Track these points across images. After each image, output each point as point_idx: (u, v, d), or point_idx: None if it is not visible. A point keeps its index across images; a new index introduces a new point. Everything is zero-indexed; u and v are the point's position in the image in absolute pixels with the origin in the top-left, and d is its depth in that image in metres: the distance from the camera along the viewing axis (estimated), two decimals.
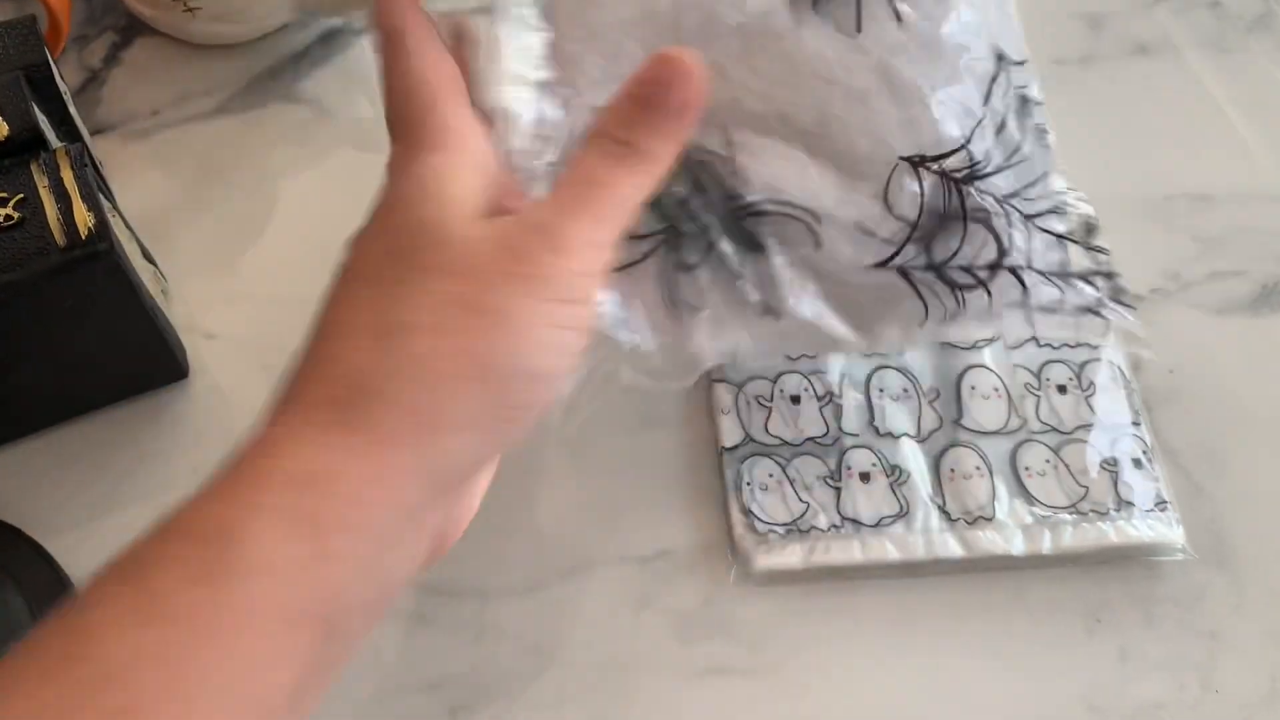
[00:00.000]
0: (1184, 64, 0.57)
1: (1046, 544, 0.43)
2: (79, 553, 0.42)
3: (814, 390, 0.46)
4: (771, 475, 0.44)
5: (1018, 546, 0.43)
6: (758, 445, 0.45)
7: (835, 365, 0.46)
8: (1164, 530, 0.43)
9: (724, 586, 0.43)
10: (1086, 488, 0.44)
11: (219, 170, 0.51)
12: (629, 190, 0.29)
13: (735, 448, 0.44)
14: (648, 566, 0.43)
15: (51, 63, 0.41)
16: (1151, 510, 0.43)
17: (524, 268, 0.27)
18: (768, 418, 0.45)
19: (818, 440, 0.45)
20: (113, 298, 0.40)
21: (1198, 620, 0.43)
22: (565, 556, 0.43)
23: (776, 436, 0.45)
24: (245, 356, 0.46)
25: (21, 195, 0.38)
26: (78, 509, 0.43)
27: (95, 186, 0.38)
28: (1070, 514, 0.43)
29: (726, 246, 0.35)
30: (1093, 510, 0.43)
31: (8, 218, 0.37)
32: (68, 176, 0.38)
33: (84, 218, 0.37)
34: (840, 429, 0.45)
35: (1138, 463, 0.44)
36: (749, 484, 0.44)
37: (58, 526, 0.42)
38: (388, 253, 0.29)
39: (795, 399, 0.45)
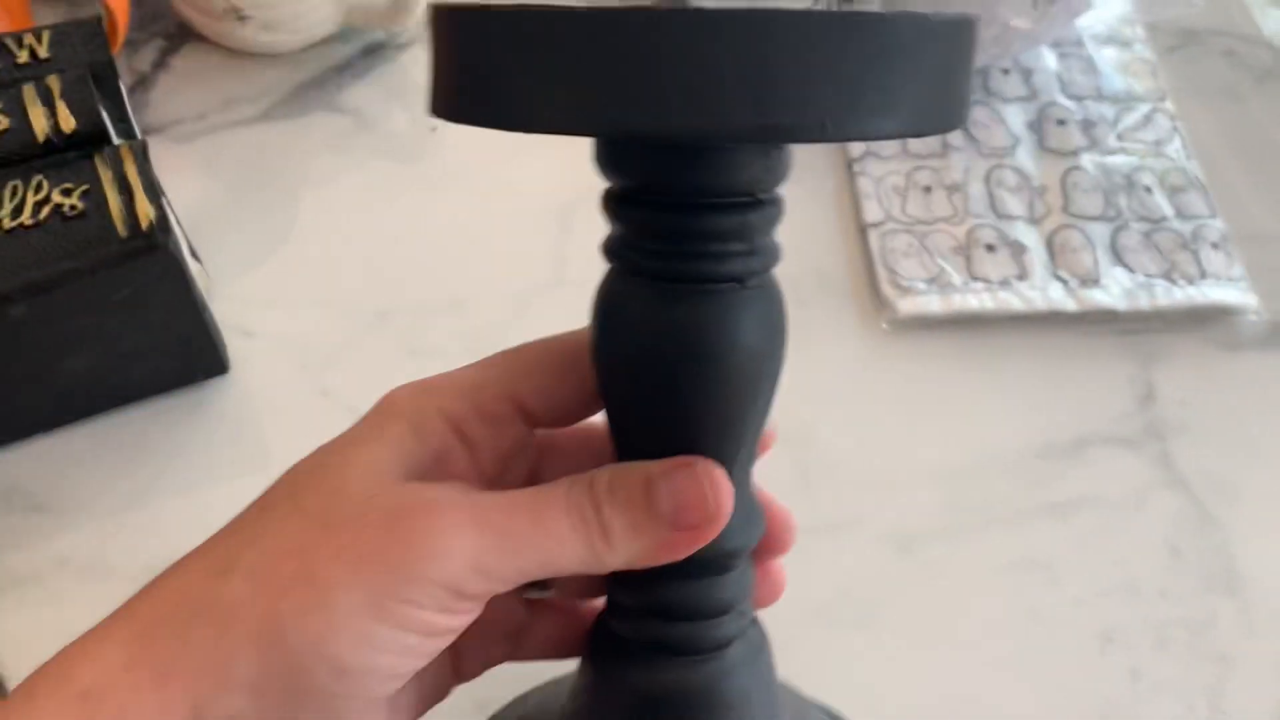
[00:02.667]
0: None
1: (1144, 302, 0.51)
2: (116, 540, 0.43)
3: (942, 181, 0.54)
4: (910, 245, 0.52)
5: (1120, 303, 0.50)
6: (896, 223, 0.52)
7: (959, 162, 0.55)
8: (1239, 295, 0.51)
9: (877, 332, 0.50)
10: (1174, 262, 0.52)
11: (261, 175, 0.53)
12: (565, 549, 0.25)
13: (878, 223, 0.52)
14: None
15: (114, 61, 0.43)
16: (1229, 280, 0.52)
17: (387, 545, 0.25)
18: (904, 202, 0.53)
19: (947, 220, 0.53)
20: (166, 290, 0.41)
21: (1207, 644, 0.44)
22: None
23: (911, 216, 0.53)
24: (283, 355, 0.48)
25: (86, 187, 0.39)
26: (115, 497, 0.44)
27: (156, 182, 0.40)
28: (1162, 280, 0.51)
29: None
30: (1181, 278, 0.51)
31: (72, 208, 0.38)
32: (131, 171, 0.40)
33: (145, 210, 0.39)
34: (967, 211, 0.53)
35: (1215, 245, 0.53)
36: (891, 251, 0.51)
37: (95, 513, 0.43)
38: (288, 485, 0.27)
39: (927, 189, 0.54)
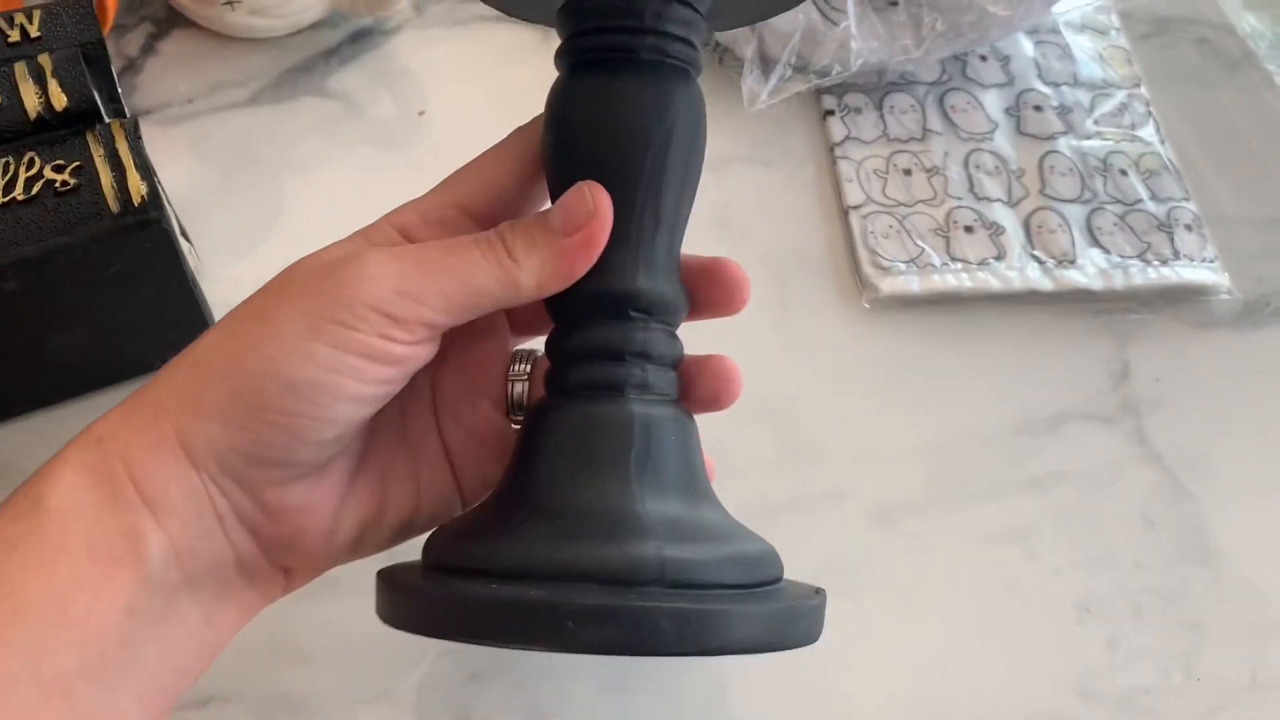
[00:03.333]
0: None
1: (1119, 281, 0.52)
2: None
3: (922, 164, 0.55)
4: (891, 227, 0.53)
5: (1096, 282, 0.52)
6: (877, 205, 0.53)
7: (939, 146, 0.56)
8: (1212, 276, 0.53)
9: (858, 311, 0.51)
10: (1149, 243, 0.53)
11: (249, 159, 0.53)
12: (479, 271, 0.30)
13: (859, 206, 0.53)
14: None
15: (104, 41, 0.43)
16: (1201, 261, 0.53)
17: (319, 283, 0.29)
18: (885, 185, 0.54)
19: (927, 202, 0.54)
20: (158, 265, 0.41)
21: (1181, 613, 0.45)
22: None
23: (892, 199, 0.54)
24: None
25: (78, 163, 0.39)
26: None
27: (147, 159, 0.40)
28: (1137, 260, 0.52)
29: None
30: (1155, 258, 0.53)
31: (64, 184, 0.39)
32: (123, 147, 0.40)
33: (137, 186, 0.39)
34: (946, 193, 0.54)
35: (1189, 227, 0.54)
36: (872, 233, 0.52)
37: None
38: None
39: (907, 171, 0.55)
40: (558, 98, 0.32)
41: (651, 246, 0.31)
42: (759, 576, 0.30)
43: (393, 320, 0.29)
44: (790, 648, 0.30)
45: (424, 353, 0.31)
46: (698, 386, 0.34)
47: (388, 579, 0.31)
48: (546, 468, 0.30)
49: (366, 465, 0.34)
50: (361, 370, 0.29)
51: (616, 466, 0.29)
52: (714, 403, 0.35)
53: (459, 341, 0.35)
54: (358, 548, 0.34)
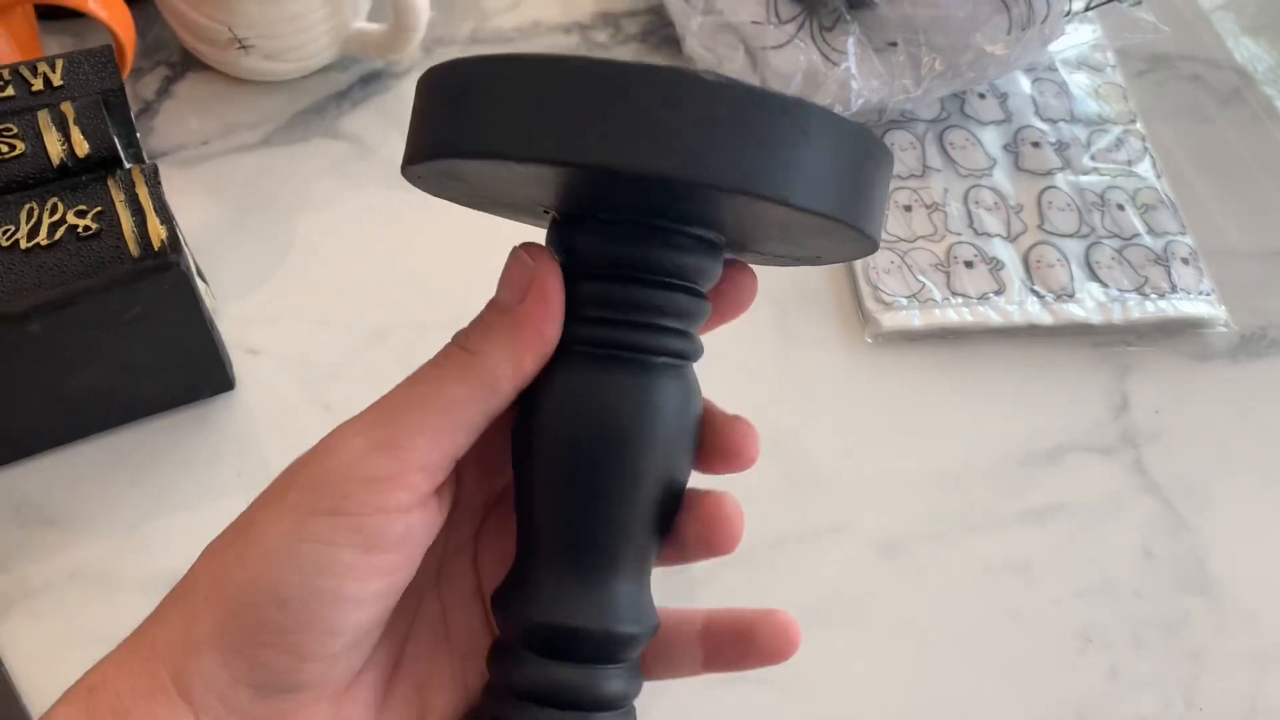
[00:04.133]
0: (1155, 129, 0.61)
1: (1117, 315, 0.53)
2: (126, 553, 0.44)
3: (922, 201, 0.56)
4: (892, 262, 0.54)
5: (1094, 316, 0.53)
6: None
7: (938, 182, 0.57)
8: (1209, 308, 0.54)
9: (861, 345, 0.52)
10: (1146, 277, 0.54)
11: (263, 199, 0.54)
12: (444, 384, 0.26)
13: None
14: None
15: (124, 88, 0.44)
16: (1199, 294, 0.54)
17: (293, 476, 0.26)
18: (886, 221, 0.52)
19: (928, 238, 0.54)
20: (177, 308, 0.42)
21: (1182, 642, 0.46)
22: None
23: (893, 235, 0.54)
24: (286, 371, 0.49)
25: (99, 208, 0.40)
26: (125, 511, 0.45)
27: (167, 203, 0.41)
28: (1135, 294, 0.53)
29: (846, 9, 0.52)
30: (1153, 291, 0.54)
31: (86, 228, 0.40)
32: (143, 192, 0.41)
33: (158, 231, 0.40)
34: (946, 229, 0.55)
35: (1186, 260, 0.55)
36: (874, 269, 0.53)
37: (105, 527, 0.44)
38: None
39: (907, 208, 0.56)
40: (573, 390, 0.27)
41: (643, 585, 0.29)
42: None
43: (378, 484, 0.25)
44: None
45: (428, 519, 0.26)
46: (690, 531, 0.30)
47: None
48: None
49: (401, 674, 0.30)
50: (356, 566, 0.25)
51: None
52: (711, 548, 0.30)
53: (497, 512, 0.32)
54: None
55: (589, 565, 0.27)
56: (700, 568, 0.45)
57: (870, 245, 0.26)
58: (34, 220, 0.40)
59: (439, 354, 0.27)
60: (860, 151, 0.24)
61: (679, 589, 0.45)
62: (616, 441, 0.27)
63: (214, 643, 0.26)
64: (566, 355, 0.27)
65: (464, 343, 0.27)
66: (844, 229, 0.25)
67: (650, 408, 0.27)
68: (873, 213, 0.26)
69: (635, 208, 0.26)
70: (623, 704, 0.29)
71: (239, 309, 0.51)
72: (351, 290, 0.52)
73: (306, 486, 0.26)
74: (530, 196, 0.27)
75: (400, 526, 0.26)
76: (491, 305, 0.27)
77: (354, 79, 0.59)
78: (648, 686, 0.43)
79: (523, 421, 0.28)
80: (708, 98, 0.22)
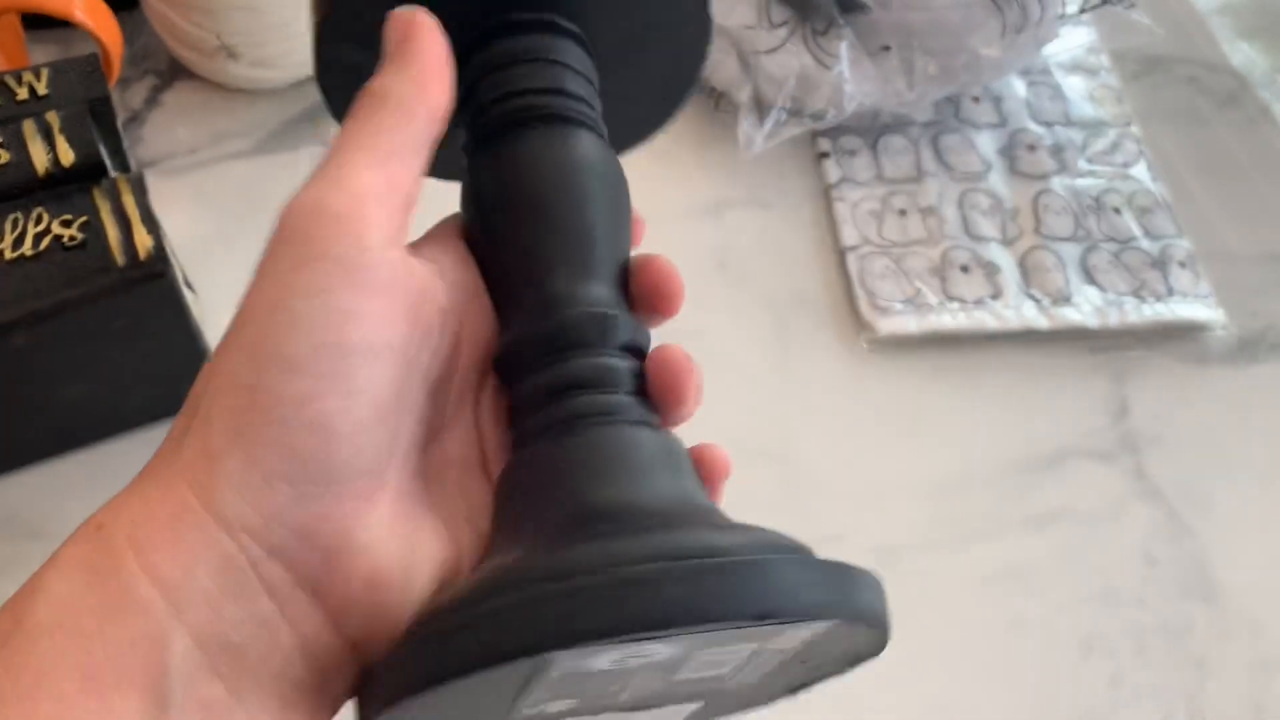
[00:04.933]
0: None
1: (1114, 319, 0.52)
2: None
3: (917, 205, 0.55)
4: (887, 267, 0.53)
5: (1091, 320, 0.52)
6: (873, 246, 0.54)
7: (933, 187, 0.56)
8: (1207, 311, 0.53)
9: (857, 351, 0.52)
10: (1143, 280, 0.54)
11: (253, 208, 0.54)
12: (361, 119, 0.26)
13: (855, 247, 0.54)
14: None
15: (110, 97, 0.44)
16: (1196, 297, 0.53)
17: (262, 255, 0.25)
18: (880, 226, 0.54)
19: (923, 242, 0.54)
20: (164, 318, 0.42)
21: (1185, 650, 0.45)
22: None
23: (888, 240, 0.54)
24: None
25: (85, 218, 0.40)
26: None
27: (153, 213, 0.41)
28: (1132, 297, 0.53)
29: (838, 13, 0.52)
30: (1150, 295, 0.53)
31: (71, 239, 0.39)
32: (129, 202, 0.40)
33: (144, 241, 0.40)
34: (942, 233, 0.55)
35: (1183, 264, 0.54)
36: (869, 274, 0.53)
37: None
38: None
39: (902, 212, 0.55)
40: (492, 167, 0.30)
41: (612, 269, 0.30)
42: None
43: (344, 221, 0.24)
44: (860, 618, 0.24)
45: (415, 268, 0.26)
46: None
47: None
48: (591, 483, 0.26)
49: (435, 487, 0.27)
50: (354, 310, 0.24)
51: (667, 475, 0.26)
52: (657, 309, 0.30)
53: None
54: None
55: (566, 275, 0.28)
56: None
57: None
58: (19, 230, 0.39)
59: (358, 108, 0.26)
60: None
61: None
62: (561, 172, 0.29)
63: (234, 439, 0.23)
64: (490, 138, 0.29)
65: (367, 90, 0.26)
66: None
67: (577, 147, 0.29)
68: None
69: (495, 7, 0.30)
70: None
71: (227, 319, 0.50)
72: None
73: (276, 248, 0.24)
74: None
75: (385, 269, 0.24)
76: (382, 61, 0.27)
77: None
78: None
79: (470, 197, 0.30)
80: None
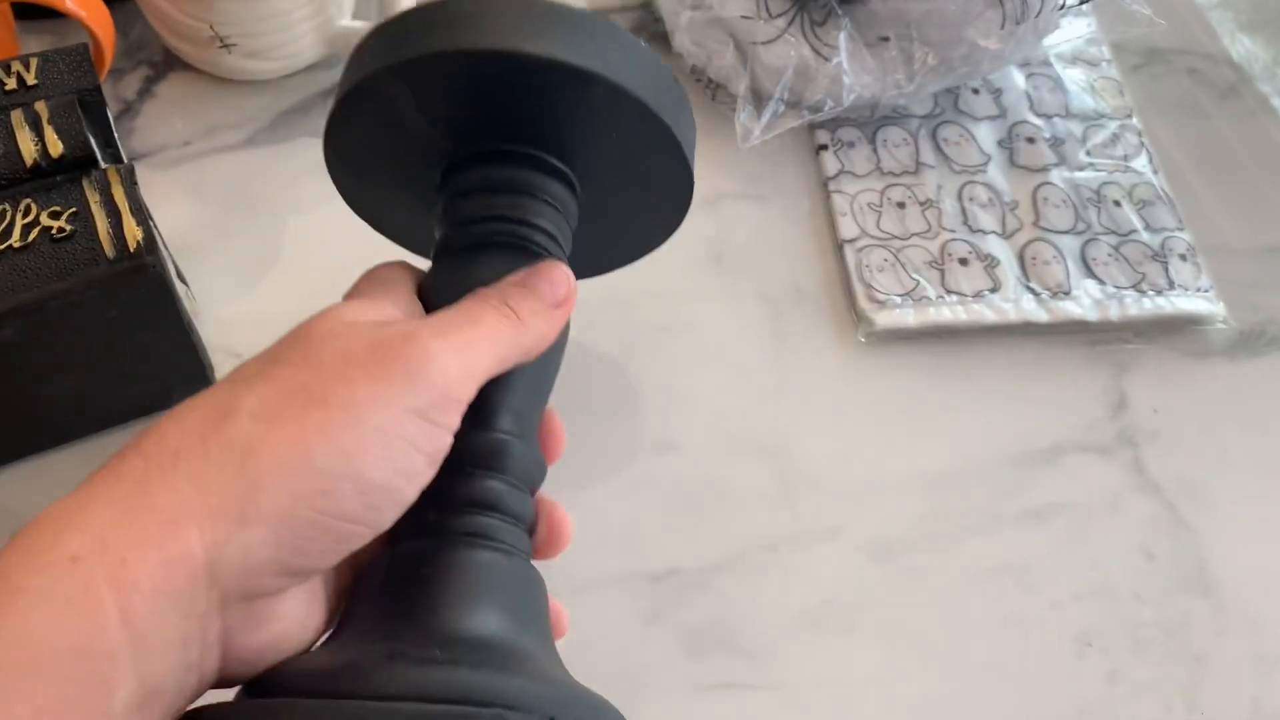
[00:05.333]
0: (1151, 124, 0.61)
1: (1114, 312, 0.52)
2: None
3: (916, 198, 0.55)
4: (886, 260, 0.53)
5: (1091, 313, 0.52)
6: (871, 239, 0.53)
7: (932, 179, 0.56)
8: (1207, 305, 0.53)
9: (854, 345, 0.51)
10: (1143, 273, 0.53)
11: (246, 200, 0.53)
12: (502, 334, 0.30)
13: (854, 240, 0.53)
14: None
15: (101, 88, 0.43)
16: (1197, 291, 0.53)
17: (389, 365, 0.26)
18: (879, 219, 0.54)
19: (921, 235, 0.54)
20: (154, 311, 0.41)
21: (1183, 645, 0.45)
22: None
23: (887, 232, 0.53)
24: None
25: (74, 209, 0.40)
26: None
27: (143, 204, 0.40)
28: (1132, 291, 0.52)
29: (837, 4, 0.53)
30: (1150, 288, 0.52)
31: (60, 230, 0.39)
32: (118, 193, 0.40)
33: (133, 232, 0.39)
34: (941, 226, 0.54)
35: (1183, 257, 0.54)
36: (867, 266, 0.52)
37: None
38: (262, 357, 0.28)
39: (901, 205, 0.55)
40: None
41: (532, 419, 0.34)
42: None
43: (459, 407, 0.28)
44: None
45: None
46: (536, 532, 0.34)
47: None
48: (438, 602, 0.29)
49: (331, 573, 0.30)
50: (421, 474, 0.27)
51: (503, 609, 0.29)
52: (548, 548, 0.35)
53: None
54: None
55: (482, 395, 0.31)
56: (692, 572, 0.44)
57: (686, 174, 0.37)
58: (6, 222, 0.39)
59: (495, 306, 0.31)
60: (659, 66, 0.34)
61: (670, 593, 0.44)
62: None
63: (280, 517, 0.24)
64: (454, 249, 0.35)
65: (517, 309, 0.31)
66: (660, 133, 0.34)
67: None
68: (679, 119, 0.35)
69: (492, 135, 0.35)
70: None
71: (222, 312, 0.50)
72: (337, 293, 0.51)
73: (402, 382, 0.26)
74: (423, 147, 0.36)
75: (445, 444, 0.28)
76: (536, 292, 0.32)
77: (338, 77, 0.58)
78: (635, 691, 0.42)
79: (429, 289, 0.34)
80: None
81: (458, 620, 0.28)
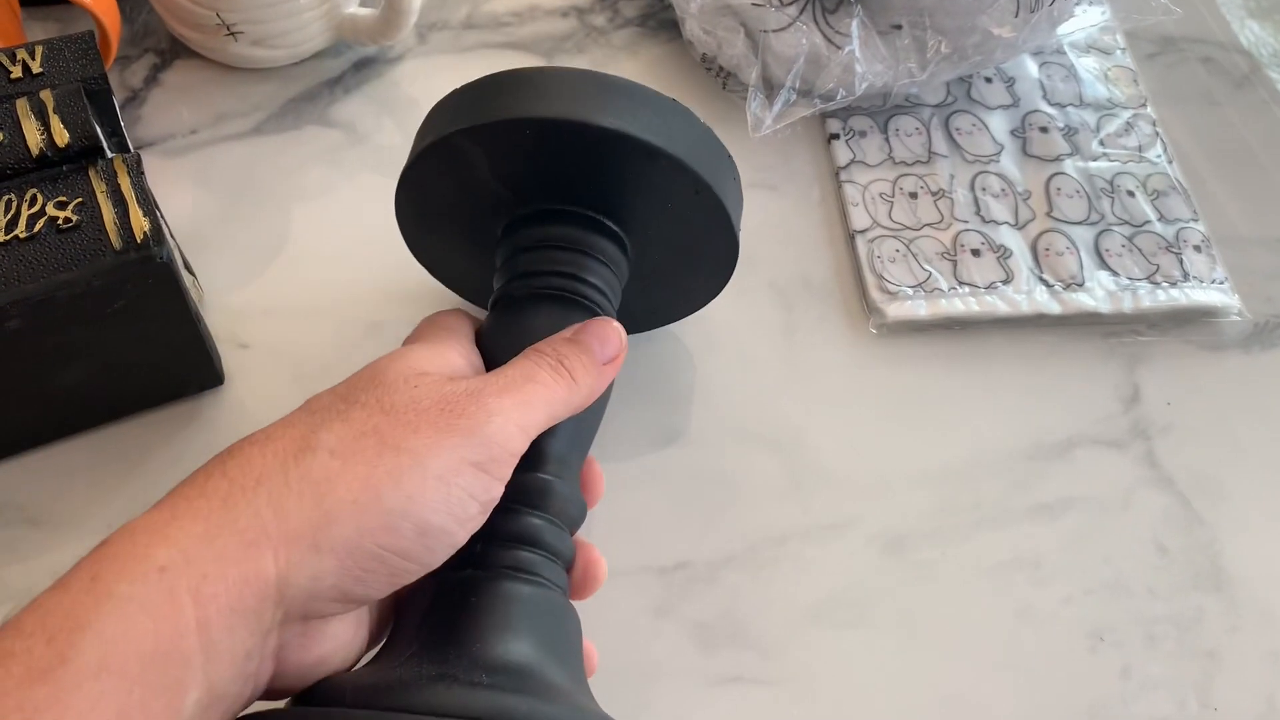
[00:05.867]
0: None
1: (1127, 304, 0.51)
2: None
3: (928, 188, 0.54)
4: (898, 251, 0.52)
5: (1104, 305, 0.51)
6: (883, 229, 0.53)
7: (944, 169, 0.55)
8: (1222, 297, 0.52)
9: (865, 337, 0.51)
10: (1157, 265, 0.53)
11: (254, 188, 0.53)
12: (556, 393, 0.32)
13: (865, 230, 0.53)
14: None
15: (107, 76, 0.43)
16: (1211, 283, 0.52)
17: (453, 420, 0.29)
18: (891, 209, 0.53)
19: (934, 225, 0.53)
20: (161, 301, 0.41)
21: (1196, 640, 0.44)
22: None
23: (899, 223, 0.53)
24: (278, 366, 0.48)
25: (80, 199, 0.39)
26: (110, 511, 0.44)
27: (150, 194, 0.40)
28: (1145, 283, 0.52)
29: None
30: (1164, 280, 0.52)
31: (66, 220, 0.39)
32: (125, 183, 0.40)
33: (140, 223, 0.39)
34: (953, 216, 0.53)
35: (1198, 248, 0.53)
36: (879, 257, 0.52)
37: (90, 527, 0.43)
38: (336, 393, 0.31)
39: (913, 195, 0.54)
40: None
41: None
42: None
43: (513, 460, 0.30)
44: None
45: None
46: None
47: None
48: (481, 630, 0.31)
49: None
50: (473, 521, 0.30)
51: (543, 641, 0.31)
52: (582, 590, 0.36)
53: None
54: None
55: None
56: (702, 566, 0.44)
57: (731, 240, 0.40)
58: (12, 212, 0.39)
59: (549, 363, 0.33)
60: (708, 136, 0.38)
61: (680, 586, 0.44)
62: None
63: (346, 552, 0.27)
64: (512, 301, 0.38)
65: (569, 367, 0.33)
66: (702, 190, 0.37)
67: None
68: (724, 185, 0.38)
69: (555, 195, 0.38)
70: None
71: (229, 301, 0.49)
72: (345, 282, 0.51)
73: (465, 437, 0.29)
74: (488, 197, 0.39)
75: (497, 496, 0.30)
76: (589, 349, 0.34)
77: (346, 65, 0.57)
78: (646, 684, 0.42)
79: (484, 337, 0.37)
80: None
81: (501, 648, 0.30)
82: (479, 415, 0.30)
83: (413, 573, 0.29)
